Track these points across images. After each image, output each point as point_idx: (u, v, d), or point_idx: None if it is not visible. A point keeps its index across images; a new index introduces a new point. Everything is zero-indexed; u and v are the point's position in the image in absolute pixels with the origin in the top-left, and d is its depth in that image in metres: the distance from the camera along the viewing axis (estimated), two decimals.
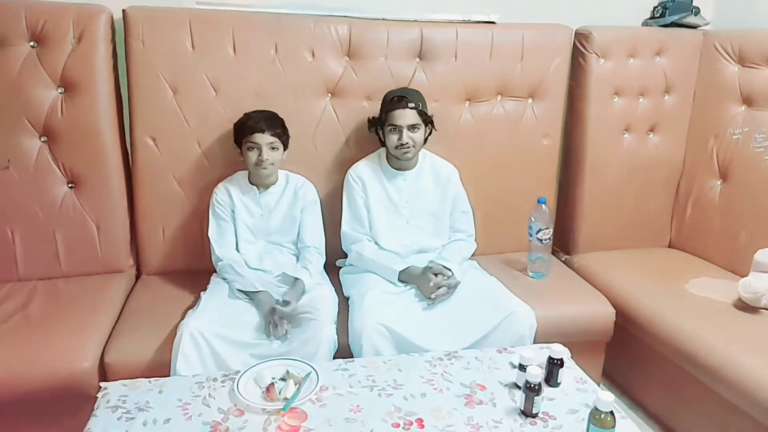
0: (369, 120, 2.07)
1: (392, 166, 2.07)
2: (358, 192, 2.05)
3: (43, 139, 1.97)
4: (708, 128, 2.42)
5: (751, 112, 2.31)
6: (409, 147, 1.96)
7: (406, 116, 1.94)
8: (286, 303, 1.74)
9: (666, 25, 2.47)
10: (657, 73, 2.41)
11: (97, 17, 1.94)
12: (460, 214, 2.14)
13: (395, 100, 1.97)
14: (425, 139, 2.03)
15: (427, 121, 2.01)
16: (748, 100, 2.33)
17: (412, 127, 1.96)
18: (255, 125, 1.86)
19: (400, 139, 1.95)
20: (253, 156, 1.87)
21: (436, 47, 2.20)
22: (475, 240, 2.17)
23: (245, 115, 1.92)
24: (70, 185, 2.02)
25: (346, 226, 2.06)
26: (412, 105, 1.95)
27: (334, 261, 2.18)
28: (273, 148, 1.89)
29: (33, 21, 1.89)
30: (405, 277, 1.94)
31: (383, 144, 2.04)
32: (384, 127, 1.99)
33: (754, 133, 2.27)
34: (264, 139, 1.86)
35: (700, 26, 2.49)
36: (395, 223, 2.07)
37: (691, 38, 2.43)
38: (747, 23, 2.44)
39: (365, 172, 2.07)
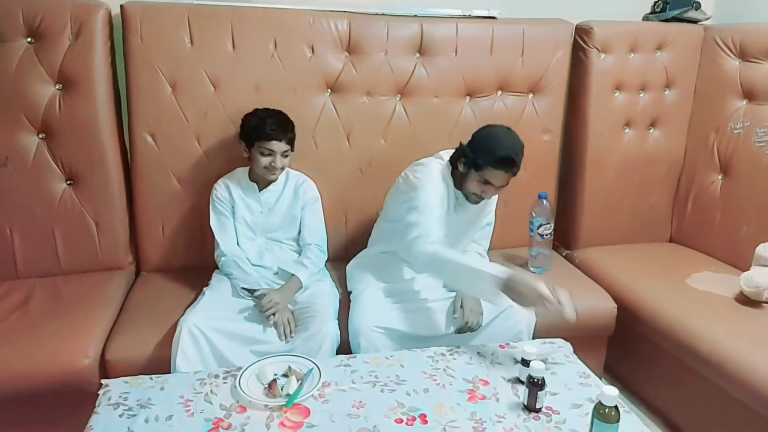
0: (459, 152, 1.81)
1: (461, 192, 1.86)
2: (441, 196, 1.80)
3: (41, 135, 1.96)
4: (709, 123, 2.42)
5: (752, 107, 2.31)
6: (489, 197, 1.83)
7: (506, 179, 1.76)
8: (262, 296, 1.74)
9: (667, 20, 2.47)
10: (658, 68, 2.40)
11: (95, 13, 1.92)
12: (485, 226, 2.07)
13: (506, 161, 1.71)
14: None
15: None
16: (749, 95, 2.32)
17: (503, 187, 1.80)
18: (273, 132, 1.82)
19: (483, 193, 1.79)
20: (265, 161, 1.85)
21: (436, 42, 2.19)
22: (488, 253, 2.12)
23: (258, 115, 1.88)
24: (68, 182, 2.01)
25: (428, 222, 1.73)
26: (515, 172, 1.76)
27: (335, 257, 2.16)
28: (285, 155, 1.88)
29: (30, 16, 1.87)
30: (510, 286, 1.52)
31: (454, 166, 1.84)
32: (471, 168, 1.76)
33: (755, 128, 2.27)
34: (280, 147, 1.84)
35: (700, 21, 2.49)
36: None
37: (692, 33, 2.43)
38: (748, 18, 2.44)
39: (439, 183, 1.82)
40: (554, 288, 1.50)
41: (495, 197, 2.00)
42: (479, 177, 1.77)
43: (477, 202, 1.86)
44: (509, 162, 1.72)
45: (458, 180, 1.87)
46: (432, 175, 1.84)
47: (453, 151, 1.88)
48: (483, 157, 1.74)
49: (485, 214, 2.04)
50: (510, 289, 1.52)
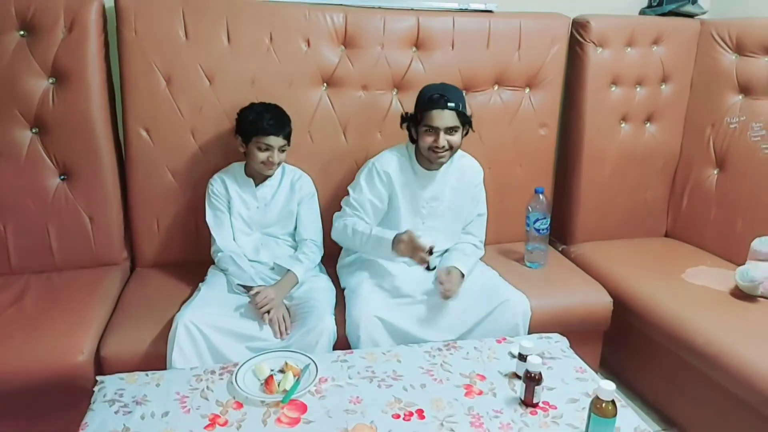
0: (402, 116, 1.91)
1: (422, 166, 1.93)
2: (380, 186, 1.91)
3: (34, 130, 1.94)
4: (705, 117, 2.42)
5: (748, 101, 2.31)
6: (444, 151, 1.83)
7: (445, 118, 1.78)
8: (257, 294, 1.74)
9: (663, 14, 2.46)
10: (654, 62, 2.40)
11: (89, 5, 1.90)
12: (476, 217, 2.07)
13: (434, 98, 1.79)
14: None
15: (466, 122, 1.85)
16: (745, 89, 2.32)
17: (450, 130, 1.80)
18: (270, 128, 1.81)
19: (435, 141, 1.80)
20: (263, 156, 1.84)
21: (432, 36, 2.18)
22: (484, 246, 2.10)
23: (254, 110, 1.86)
24: (62, 177, 2.00)
25: (348, 206, 1.94)
26: (452, 105, 1.78)
27: (332, 253, 2.16)
28: (282, 150, 1.87)
29: (22, 9, 1.85)
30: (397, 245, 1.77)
31: (413, 140, 1.91)
32: (418, 126, 1.84)
33: (751, 122, 2.27)
34: (278, 142, 1.83)
35: (697, 15, 2.49)
36: (411, 222, 1.94)
37: (688, 27, 2.42)
38: (744, 12, 2.44)
39: (392, 167, 1.92)
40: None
41: (479, 173, 2.03)
42: (424, 127, 1.82)
43: (439, 159, 1.86)
44: (441, 98, 1.79)
45: (416, 147, 1.92)
46: (379, 156, 1.96)
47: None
48: (418, 108, 1.85)
49: (467, 185, 2.00)
50: (396, 245, 1.76)
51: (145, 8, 1.95)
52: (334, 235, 1.98)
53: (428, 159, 1.88)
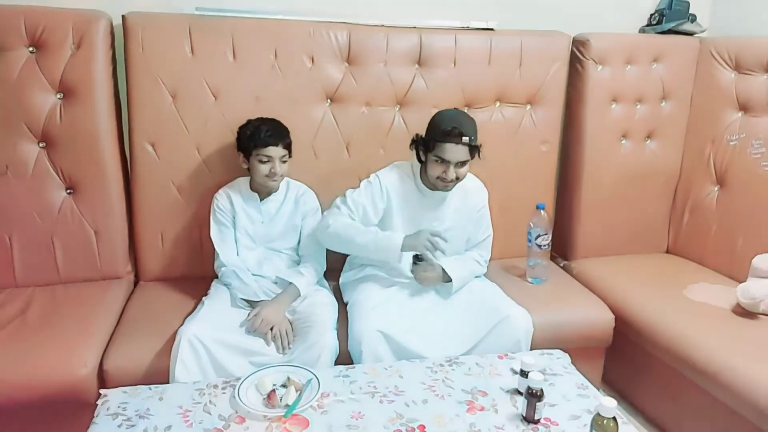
0: (413, 139, 1.89)
1: (427, 186, 1.94)
2: (379, 198, 1.92)
3: (41, 144, 1.97)
4: (705, 134, 2.44)
5: (748, 119, 2.33)
6: (452, 181, 1.84)
7: (457, 152, 1.78)
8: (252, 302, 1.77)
9: (663, 32, 2.49)
10: (654, 80, 2.42)
11: (97, 23, 1.93)
12: (481, 236, 2.07)
13: (448, 131, 1.77)
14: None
15: (476, 151, 1.83)
16: (744, 107, 2.35)
17: (461, 163, 1.81)
18: (269, 138, 1.84)
19: (445, 173, 1.81)
20: (265, 169, 1.86)
21: (435, 53, 2.21)
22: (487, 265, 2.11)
23: (252, 124, 1.89)
24: (68, 191, 2.02)
25: (344, 204, 1.91)
26: (465, 140, 1.77)
27: (335, 267, 2.17)
28: (284, 161, 1.89)
29: (32, 26, 1.88)
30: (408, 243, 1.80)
31: (420, 160, 1.90)
32: (428, 153, 1.83)
33: (751, 139, 2.29)
34: (277, 152, 1.85)
35: (696, 33, 2.52)
36: None
37: (687, 45, 2.45)
38: (743, 30, 2.47)
39: (393, 184, 1.93)
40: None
41: (483, 195, 2.05)
42: (434, 157, 1.82)
43: (446, 188, 1.88)
44: (455, 132, 1.77)
45: (423, 170, 1.92)
46: (383, 171, 1.96)
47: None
48: (431, 135, 1.83)
49: (471, 215, 2.02)
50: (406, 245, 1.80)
51: (152, 25, 1.99)
52: (323, 234, 1.91)
53: (435, 186, 1.90)
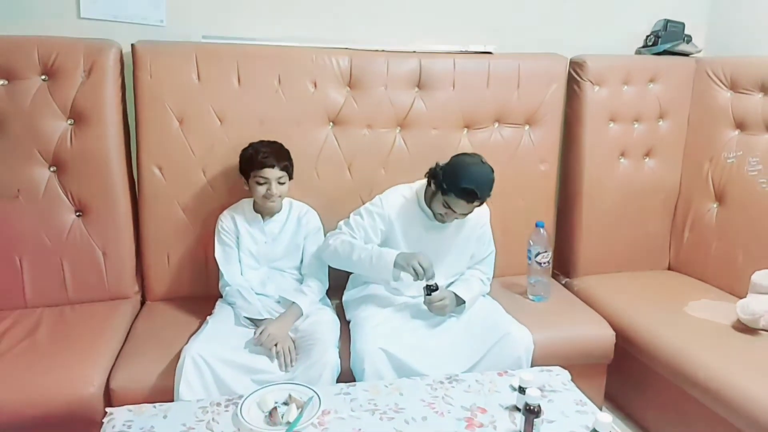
0: (432, 172, 1.91)
1: (429, 208, 1.98)
2: (380, 221, 1.97)
3: (52, 169, 2.02)
4: (703, 152, 2.46)
5: (744, 137, 2.35)
6: (451, 220, 1.95)
7: (468, 209, 1.87)
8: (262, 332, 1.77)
9: (659, 53, 2.53)
10: (651, 100, 2.46)
11: (107, 51, 2.00)
12: (484, 253, 2.11)
13: (467, 192, 1.80)
14: None
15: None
16: (741, 125, 2.37)
17: (464, 214, 1.91)
18: (265, 160, 1.88)
19: (447, 215, 1.90)
20: (262, 190, 1.90)
21: (434, 77, 2.26)
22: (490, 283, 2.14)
23: (252, 147, 1.95)
24: (77, 214, 2.06)
25: (346, 225, 1.98)
26: (478, 204, 1.87)
27: (337, 285, 2.20)
28: (281, 183, 1.93)
29: (45, 55, 1.95)
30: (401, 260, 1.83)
31: (429, 183, 1.94)
32: (441, 194, 1.86)
33: (748, 157, 2.31)
34: (274, 174, 1.90)
35: (692, 54, 2.56)
36: None
37: (683, 65, 2.49)
38: (738, 51, 2.51)
39: (396, 207, 1.99)
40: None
41: (487, 224, 2.08)
42: (443, 201, 1.87)
43: (441, 222, 1.96)
44: (471, 194, 1.81)
45: (428, 196, 1.96)
46: (387, 195, 2.01)
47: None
48: (449, 184, 1.83)
49: (473, 233, 2.06)
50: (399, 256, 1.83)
51: (161, 53, 2.05)
52: (324, 253, 1.98)
53: (433, 215, 1.96)
